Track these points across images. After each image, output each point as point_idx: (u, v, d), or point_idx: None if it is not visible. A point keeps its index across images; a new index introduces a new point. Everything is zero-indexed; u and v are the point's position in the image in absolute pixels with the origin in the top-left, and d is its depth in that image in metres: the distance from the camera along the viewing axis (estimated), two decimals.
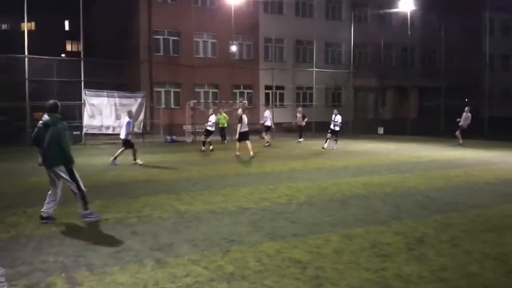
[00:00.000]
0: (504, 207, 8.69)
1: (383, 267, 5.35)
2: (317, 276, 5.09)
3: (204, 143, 20.05)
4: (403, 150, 20.40)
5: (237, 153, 17.50)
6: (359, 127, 33.70)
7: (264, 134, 23.54)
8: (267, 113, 24.36)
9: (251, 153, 16.86)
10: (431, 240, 6.43)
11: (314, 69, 35.22)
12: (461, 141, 21.95)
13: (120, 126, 20.97)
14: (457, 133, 22.33)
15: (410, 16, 34.42)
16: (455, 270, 5.27)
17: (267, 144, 22.38)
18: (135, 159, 15.32)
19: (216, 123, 22.03)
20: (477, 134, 25.63)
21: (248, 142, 17.30)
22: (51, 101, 7.48)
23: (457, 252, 5.93)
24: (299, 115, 25.82)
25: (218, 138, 23.89)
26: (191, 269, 5.27)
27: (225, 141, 24.18)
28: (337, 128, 21.06)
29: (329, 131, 21.02)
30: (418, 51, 41.06)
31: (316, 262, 5.51)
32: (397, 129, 31.28)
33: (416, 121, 34.40)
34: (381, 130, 32.84)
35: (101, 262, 5.51)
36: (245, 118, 17.51)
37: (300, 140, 25.08)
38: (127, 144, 15.34)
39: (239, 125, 17.39)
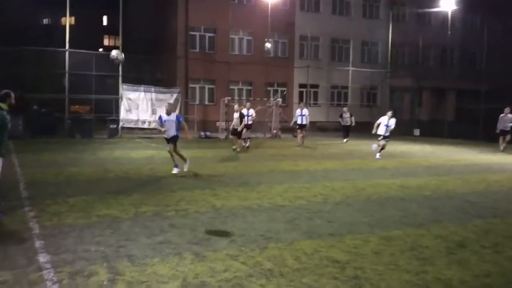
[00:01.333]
0: None
1: (423, 270, 5.26)
2: (356, 276, 5.04)
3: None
4: (440, 153, 20.01)
5: (240, 147, 18.63)
6: (394, 128, 33.16)
7: (298, 133, 22.12)
8: (301, 111, 22.53)
9: (234, 146, 18.29)
10: (472, 245, 6.29)
11: (350, 68, 34.92)
12: (501, 147, 20.56)
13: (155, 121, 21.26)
14: (501, 140, 20.75)
15: (451, 16, 33.63)
16: (498, 277, 5.13)
17: (297, 145, 21.49)
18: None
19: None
20: None
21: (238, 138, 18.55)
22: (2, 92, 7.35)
23: (500, 258, 5.77)
24: (345, 115, 25.24)
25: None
26: (229, 264, 5.31)
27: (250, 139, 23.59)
28: (387, 134, 17.58)
29: (380, 137, 17.44)
30: (458, 52, 40.08)
31: (355, 262, 5.47)
32: (434, 131, 30.64)
33: (453, 124, 33.61)
34: (417, 132, 32.25)
35: (142, 253, 5.61)
36: (236, 115, 18.57)
37: (345, 140, 24.51)
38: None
39: (236, 120, 18.46)
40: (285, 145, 22.65)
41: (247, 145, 19.72)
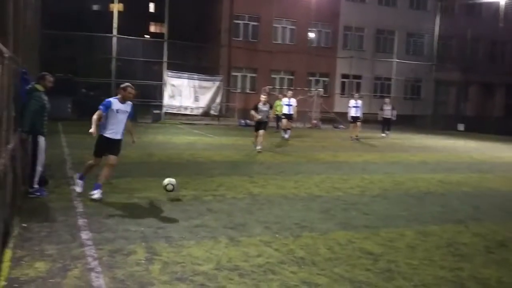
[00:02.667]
0: None
1: (459, 267, 5.19)
2: (389, 269, 5.03)
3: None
4: (485, 149, 19.42)
5: (257, 146, 14.45)
6: (438, 122, 32.41)
7: (353, 126, 20.78)
8: (356, 102, 20.98)
9: (258, 146, 14.36)
10: None
11: (394, 59, 34.22)
12: None
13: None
14: None
15: (504, 8, 32.29)
16: None
17: (355, 137, 20.25)
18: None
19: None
20: None
21: (261, 132, 14.39)
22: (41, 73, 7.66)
23: None
24: (387, 107, 23.69)
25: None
26: (263, 250, 5.40)
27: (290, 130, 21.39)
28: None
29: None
30: (509, 46, 38.52)
31: (388, 255, 5.45)
32: (480, 127, 29.70)
33: (502, 120, 32.51)
34: (461, 127, 31.37)
35: (179, 235, 5.78)
36: (262, 107, 14.49)
37: (385, 134, 23.19)
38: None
39: (253, 112, 14.53)
40: (325, 136, 22.53)
41: (287, 136, 18.91)
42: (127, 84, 7.73)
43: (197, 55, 32.44)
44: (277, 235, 5.99)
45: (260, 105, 14.47)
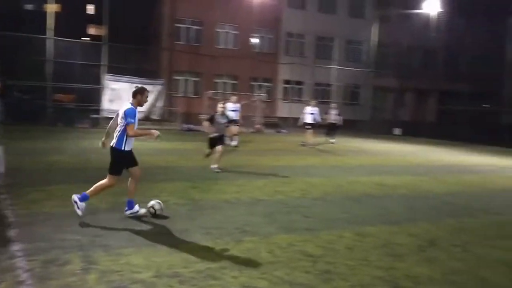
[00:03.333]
0: None
1: (393, 267, 5.39)
2: (327, 270, 5.15)
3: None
4: (420, 153, 20.29)
5: (213, 165, 11.80)
6: (376, 127, 33.54)
7: (308, 133, 20.28)
8: (311, 108, 20.44)
9: (214, 165, 11.74)
10: (443, 244, 6.45)
11: (334, 66, 35.13)
12: None
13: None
14: None
15: (435, 18, 34.01)
16: (465, 274, 5.29)
17: (309, 146, 19.83)
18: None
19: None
20: (495, 141, 25.37)
21: (219, 148, 11.81)
22: None
23: (468, 257, 5.94)
24: (332, 112, 23.26)
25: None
26: (204, 256, 5.37)
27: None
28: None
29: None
30: (441, 54, 40.52)
31: (327, 257, 5.58)
32: (415, 131, 31.04)
33: (435, 124, 34.12)
34: (398, 131, 32.64)
35: (117, 243, 5.64)
36: (220, 118, 11.91)
37: (333, 141, 22.38)
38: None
39: (208, 125, 11.92)
40: (268, 140, 22.75)
41: (235, 143, 17.72)
42: (143, 86, 7.29)
43: (138, 58, 31.82)
44: (218, 240, 5.97)
45: (218, 116, 11.84)
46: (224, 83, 33.55)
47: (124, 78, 25.53)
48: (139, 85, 7.62)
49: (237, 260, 5.29)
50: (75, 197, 6.66)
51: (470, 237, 6.89)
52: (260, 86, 34.32)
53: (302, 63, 34.47)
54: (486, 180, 12.96)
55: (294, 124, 32.61)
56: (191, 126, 26.29)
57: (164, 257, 5.26)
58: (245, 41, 33.51)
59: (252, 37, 33.85)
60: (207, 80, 32.04)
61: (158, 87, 26.61)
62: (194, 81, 32.69)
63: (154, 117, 26.66)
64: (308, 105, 21.08)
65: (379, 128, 33.08)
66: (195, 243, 5.80)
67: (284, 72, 34.61)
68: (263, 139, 23.73)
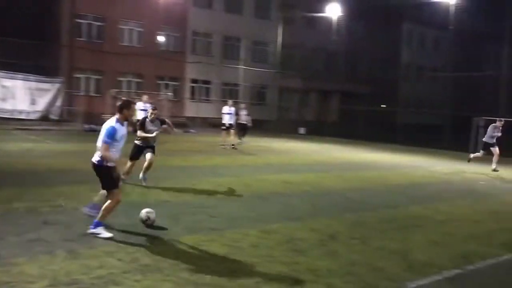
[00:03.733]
0: (411, 208, 9.31)
1: (296, 261, 5.54)
2: (233, 269, 5.17)
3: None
4: (323, 151, 21.13)
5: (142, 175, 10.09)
6: (282, 127, 34.40)
7: (225, 134, 19.59)
8: (228, 109, 19.79)
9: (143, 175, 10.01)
10: (343, 237, 6.75)
11: (241, 66, 35.52)
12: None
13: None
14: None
15: (337, 23, 35.65)
16: (363, 265, 5.58)
17: (232, 146, 19.15)
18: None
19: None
20: (392, 139, 27.12)
21: (149, 156, 9.94)
22: None
23: (366, 249, 6.27)
24: (242, 112, 21.88)
25: None
26: (105, 261, 5.15)
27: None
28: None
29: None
30: (343, 57, 42.52)
31: (232, 256, 5.60)
32: (319, 131, 32.27)
33: (337, 124, 35.73)
34: (302, 131, 33.73)
35: (9, 252, 5.23)
36: (150, 125, 9.94)
37: (241, 141, 20.95)
38: None
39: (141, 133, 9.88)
40: (175, 141, 22.43)
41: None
42: (128, 99, 6.65)
43: (35, 54, 29.87)
44: (121, 244, 5.76)
45: (148, 123, 9.92)
46: (129, 81, 32.57)
47: (19, 75, 23.90)
48: (123, 98, 7.02)
49: (141, 263, 5.14)
50: (92, 230, 6.12)
51: (368, 230, 7.28)
52: (166, 85, 33.78)
53: (209, 62, 34.45)
54: (383, 176, 13.80)
55: (202, 123, 32.59)
56: (93, 126, 25.15)
57: (62, 264, 4.97)
58: (150, 39, 32.76)
59: (158, 35, 33.20)
60: (110, 79, 30.86)
61: (57, 86, 25.27)
62: (96, 79, 31.38)
63: (53, 117, 25.24)
64: (226, 105, 20.23)
65: (285, 128, 33.96)
66: (96, 248, 5.55)
67: (191, 71, 34.36)
68: (171, 139, 23.31)
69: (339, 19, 36.92)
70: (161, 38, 33.54)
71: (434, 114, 39.46)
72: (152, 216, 6.69)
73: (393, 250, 6.27)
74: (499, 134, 15.89)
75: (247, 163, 15.03)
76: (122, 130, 6.31)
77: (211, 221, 7.20)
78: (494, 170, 15.60)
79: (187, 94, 34.58)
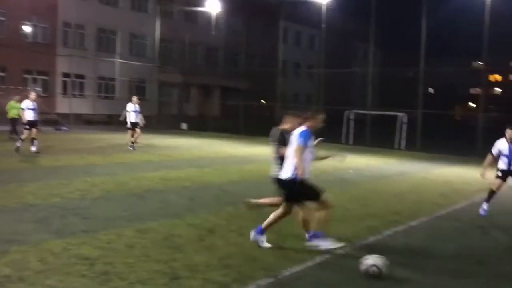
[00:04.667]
0: None
1: (173, 258, 5.44)
2: (105, 271, 4.92)
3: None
4: (205, 146, 21.14)
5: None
6: (163, 122, 33.81)
7: (130, 132, 18.09)
8: (133, 106, 18.27)
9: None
10: (221, 231, 6.78)
11: (117, 60, 34.21)
12: None
13: None
14: None
15: (216, 17, 35.83)
16: (240, 257, 5.64)
17: (131, 144, 17.77)
18: None
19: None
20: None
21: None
22: None
23: (243, 240, 6.35)
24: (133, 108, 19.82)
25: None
26: None
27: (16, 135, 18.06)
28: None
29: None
30: (222, 52, 42.87)
31: (105, 258, 5.33)
32: (201, 126, 32.27)
33: (218, 118, 35.99)
34: (184, 126, 33.49)
35: None
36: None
37: (133, 145, 17.96)
38: None
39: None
40: (46, 139, 20.88)
41: (34, 149, 14.79)
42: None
43: None
44: None
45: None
46: None
47: None
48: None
49: (0, 275, 4.68)
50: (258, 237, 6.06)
51: (245, 222, 7.39)
52: (34, 79, 31.35)
53: (83, 55, 32.57)
54: (263, 169, 14.07)
55: (76, 120, 30.81)
56: None
57: None
58: (14, 29, 30.10)
59: (23, 25, 30.63)
60: None
61: None
62: None
63: None
64: (131, 102, 18.55)
65: (166, 123, 33.43)
66: None
67: (63, 65, 32.20)
68: (40, 138, 21.67)
69: (218, 14, 37.12)
70: (27, 29, 31.00)
71: (309, 108, 41.41)
72: (380, 262, 5.18)
73: (270, 240, 6.41)
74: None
75: (124, 160, 14.49)
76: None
77: (83, 223, 6.80)
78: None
79: (58, 89, 32.44)
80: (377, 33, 31.43)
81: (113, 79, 34.96)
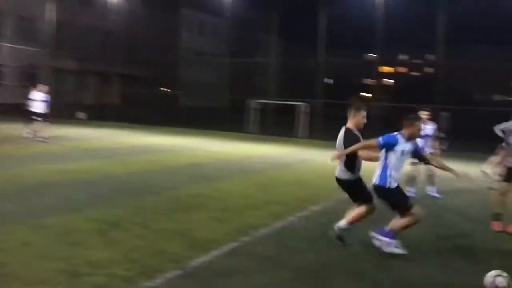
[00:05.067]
0: (192, 188, 9.60)
1: (73, 255, 5.18)
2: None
3: None
4: (105, 136, 20.32)
5: None
6: (59, 111, 31.87)
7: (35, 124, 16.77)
8: (43, 95, 17.04)
9: None
10: (125, 224, 6.57)
11: (5, 44, 31.68)
12: None
13: None
14: None
15: (114, 2, 34.35)
16: (144, 250, 5.52)
17: (44, 138, 16.38)
18: None
19: None
20: (174, 123, 27.65)
21: None
22: None
23: (148, 233, 6.22)
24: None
25: None
26: None
27: None
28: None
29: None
30: (121, 39, 41.19)
31: None
32: (100, 115, 30.92)
33: (119, 107, 34.68)
34: (82, 115, 31.87)
35: None
36: None
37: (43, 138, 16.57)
38: None
39: None
40: None
41: None
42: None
43: None
44: None
45: None
46: None
47: None
48: None
49: None
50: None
51: (150, 214, 7.25)
52: None
53: None
54: (167, 159, 13.94)
55: None
56: None
57: None
58: None
59: None
60: None
61: None
62: None
63: None
64: (37, 89, 17.20)
65: (61, 112, 31.51)
66: None
67: None
68: None
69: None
70: None
71: (213, 97, 41.39)
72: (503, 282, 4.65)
73: (175, 231, 6.37)
74: None
75: (14, 153, 13.47)
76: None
77: None
78: None
79: None
80: (280, 24, 32.11)
81: (1, 65, 32.26)
